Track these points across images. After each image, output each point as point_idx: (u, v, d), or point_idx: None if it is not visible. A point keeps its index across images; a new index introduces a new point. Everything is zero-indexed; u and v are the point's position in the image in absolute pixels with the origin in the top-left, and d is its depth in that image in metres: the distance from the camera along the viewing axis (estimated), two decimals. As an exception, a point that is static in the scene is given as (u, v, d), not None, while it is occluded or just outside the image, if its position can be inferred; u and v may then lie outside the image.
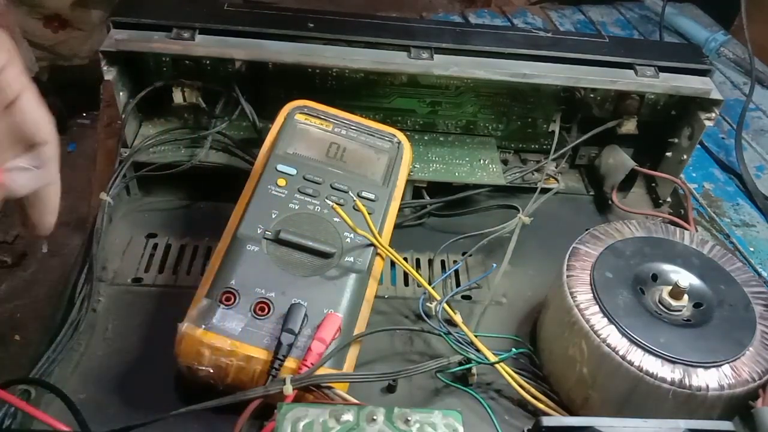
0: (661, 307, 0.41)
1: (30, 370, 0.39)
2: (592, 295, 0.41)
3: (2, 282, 0.53)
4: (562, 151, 0.59)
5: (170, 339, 0.38)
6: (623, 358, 0.38)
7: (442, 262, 0.53)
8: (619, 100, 0.57)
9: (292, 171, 0.45)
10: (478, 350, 0.42)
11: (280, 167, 0.45)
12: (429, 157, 0.57)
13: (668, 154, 0.59)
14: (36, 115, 0.30)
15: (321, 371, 0.37)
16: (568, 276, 0.42)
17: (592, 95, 0.57)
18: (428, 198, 0.56)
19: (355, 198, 0.45)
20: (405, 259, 0.52)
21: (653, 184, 0.62)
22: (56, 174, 0.32)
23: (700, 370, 0.37)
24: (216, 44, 0.51)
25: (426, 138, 0.59)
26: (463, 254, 0.52)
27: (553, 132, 0.60)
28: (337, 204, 0.44)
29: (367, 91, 0.57)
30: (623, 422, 0.33)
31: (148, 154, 0.53)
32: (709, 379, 0.37)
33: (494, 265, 0.48)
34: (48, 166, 0.31)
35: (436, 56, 0.53)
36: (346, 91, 0.56)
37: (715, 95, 0.54)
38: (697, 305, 0.42)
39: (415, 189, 0.55)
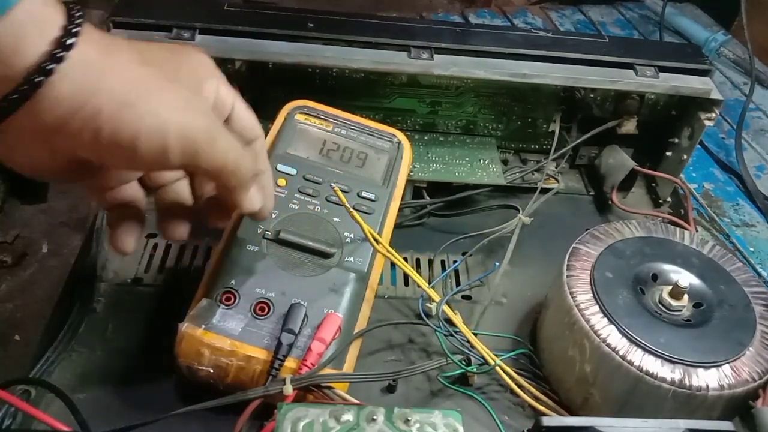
0: (661, 307, 0.41)
1: (30, 370, 0.39)
2: (592, 295, 0.41)
3: (2, 282, 0.53)
4: (562, 151, 0.59)
5: (170, 339, 0.38)
6: (623, 358, 0.38)
7: (442, 262, 0.53)
8: (619, 100, 0.57)
9: (292, 171, 0.45)
10: (477, 350, 0.42)
11: (280, 167, 0.45)
12: (429, 157, 0.57)
13: (668, 154, 0.59)
14: (247, 117, 0.35)
15: (321, 371, 0.37)
16: (568, 276, 0.42)
17: (592, 95, 0.57)
18: (428, 198, 0.56)
19: (355, 198, 0.45)
20: (405, 259, 0.52)
21: (653, 184, 0.62)
22: (267, 163, 0.38)
23: (700, 370, 0.37)
24: (216, 44, 0.51)
25: (426, 138, 0.59)
26: (463, 254, 0.52)
27: (553, 132, 0.60)
28: (337, 203, 0.44)
29: (367, 91, 0.57)
30: (623, 422, 0.33)
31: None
32: (709, 379, 0.37)
33: (496, 263, 0.48)
34: (261, 157, 0.37)
35: (436, 56, 0.53)
36: (346, 91, 0.56)
37: (715, 95, 0.54)
38: (697, 305, 0.42)
39: (415, 189, 0.55)
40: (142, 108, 0.28)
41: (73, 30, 0.26)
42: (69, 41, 0.26)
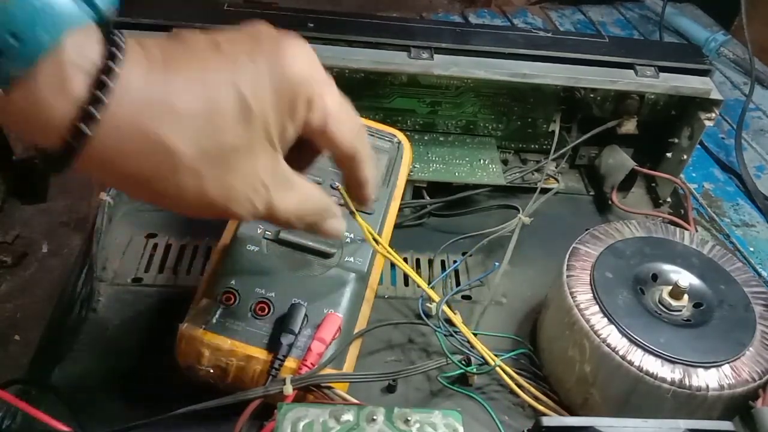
0: (661, 307, 0.41)
1: (30, 370, 0.39)
2: (592, 295, 0.41)
3: (2, 282, 0.53)
4: (562, 151, 0.59)
5: (170, 339, 0.38)
6: (623, 358, 0.38)
7: (442, 262, 0.53)
8: (619, 100, 0.57)
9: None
10: (477, 350, 0.42)
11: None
12: (429, 157, 0.57)
13: (668, 154, 0.59)
14: (347, 131, 0.32)
15: (321, 371, 0.37)
16: (568, 276, 0.42)
17: (592, 95, 0.57)
18: (428, 198, 0.56)
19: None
20: (405, 259, 0.52)
21: (653, 184, 0.62)
22: (372, 176, 0.35)
23: (700, 370, 0.37)
24: (216, 44, 0.51)
25: (426, 138, 0.59)
26: (463, 254, 0.52)
27: (553, 132, 0.60)
28: (337, 204, 0.44)
29: (367, 91, 0.57)
30: (623, 422, 0.33)
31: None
32: (709, 379, 0.37)
33: (496, 263, 0.48)
34: (364, 170, 0.35)
35: (436, 56, 0.53)
36: (346, 91, 0.56)
37: (715, 95, 0.54)
38: (697, 305, 0.42)
39: (415, 189, 0.55)
40: (208, 174, 0.26)
41: (114, 68, 0.24)
42: (110, 79, 0.24)
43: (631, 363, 0.38)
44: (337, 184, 0.45)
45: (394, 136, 0.50)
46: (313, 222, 0.33)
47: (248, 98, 0.26)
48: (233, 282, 0.40)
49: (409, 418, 0.31)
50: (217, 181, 0.27)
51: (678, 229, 0.47)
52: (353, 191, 0.36)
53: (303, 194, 0.31)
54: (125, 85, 0.24)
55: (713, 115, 0.55)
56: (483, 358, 0.41)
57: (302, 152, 0.32)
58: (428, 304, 0.45)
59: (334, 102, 0.30)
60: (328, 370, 0.38)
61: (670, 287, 0.42)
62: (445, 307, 0.43)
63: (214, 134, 0.26)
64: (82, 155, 0.24)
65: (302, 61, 0.28)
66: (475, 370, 0.42)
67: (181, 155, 0.25)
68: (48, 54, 0.23)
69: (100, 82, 0.23)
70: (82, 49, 0.24)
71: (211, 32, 0.28)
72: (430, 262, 0.53)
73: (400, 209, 0.50)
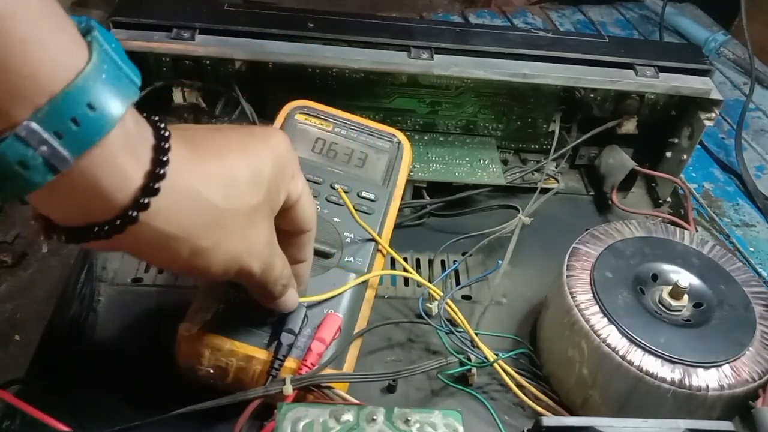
0: (661, 307, 0.41)
1: (30, 370, 0.39)
2: (592, 295, 0.41)
3: (2, 282, 0.53)
4: (562, 151, 0.59)
5: (170, 339, 0.38)
6: (623, 358, 0.38)
7: (442, 262, 0.53)
8: (619, 100, 0.57)
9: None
10: (477, 349, 0.42)
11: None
12: (429, 157, 0.57)
13: (668, 154, 0.59)
14: (308, 210, 0.35)
15: (321, 371, 0.37)
16: (568, 276, 0.42)
17: (592, 95, 0.57)
18: (428, 198, 0.56)
19: (355, 198, 0.45)
20: (405, 259, 0.52)
21: (653, 184, 0.62)
22: (311, 254, 0.38)
23: (700, 370, 0.37)
24: (216, 44, 0.51)
25: (426, 138, 0.59)
26: (463, 254, 0.52)
27: (553, 132, 0.60)
28: (337, 204, 0.44)
29: (367, 91, 0.57)
30: (623, 422, 0.33)
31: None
32: (709, 379, 0.37)
33: (499, 261, 0.48)
34: (308, 248, 0.37)
35: (436, 56, 0.53)
36: (346, 91, 0.56)
37: (715, 95, 0.54)
38: (697, 305, 0.42)
39: (415, 189, 0.55)
40: (215, 256, 0.29)
41: (164, 157, 0.26)
42: (162, 171, 0.25)
43: (631, 363, 0.38)
44: (337, 185, 0.45)
45: (394, 136, 0.50)
46: (285, 286, 0.36)
47: (260, 169, 0.31)
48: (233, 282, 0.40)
49: (409, 418, 0.31)
50: (242, 235, 0.30)
51: (678, 229, 0.47)
52: (295, 267, 0.37)
53: (284, 259, 0.35)
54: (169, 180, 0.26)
55: (713, 115, 0.55)
56: (483, 355, 0.41)
57: None
58: (428, 304, 0.45)
59: (304, 182, 0.35)
60: (328, 370, 0.38)
61: (670, 287, 0.42)
62: (447, 304, 0.43)
63: (240, 196, 0.30)
64: (129, 229, 0.25)
65: (287, 144, 0.33)
66: (474, 369, 0.42)
67: (220, 210, 0.28)
68: (118, 124, 0.24)
69: (159, 160, 0.25)
70: (139, 122, 0.26)
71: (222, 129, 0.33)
72: (430, 262, 0.53)
73: (400, 209, 0.50)
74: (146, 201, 0.25)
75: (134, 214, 0.25)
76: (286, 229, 0.35)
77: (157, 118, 0.27)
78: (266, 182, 0.31)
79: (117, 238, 0.25)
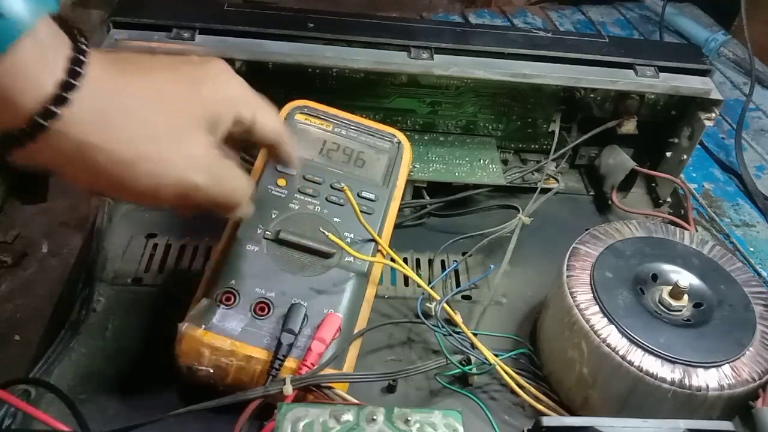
0: (661, 307, 0.41)
1: (30, 370, 0.39)
2: (592, 295, 0.41)
3: (2, 282, 0.53)
4: (562, 151, 0.59)
5: (170, 339, 0.38)
6: (623, 358, 0.38)
7: (442, 262, 0.53)
8: (619, 100, 0.57)
9: (292, 171, 0.45)
10: (477, 350, 0.42)
11: (280, 167, 0.45)
12: (429, 157, 0.57)
13: (668, 154, 0.59)
14: (271, 126, 0.36)
15: (321, 371, 0.37)
16: (568, 276, 0.42)
17: (592, 95, 0.57)
18: (428, 198, 0.56)
19: (355, 198, 0.45)
20: (405, 259, 0.52)
21: (653, 184, 0.62)
22: (294, 149, 0.40)
23: (700, 370, 0.37)
24: (216, 44, 0.51)
25: (426, 138, 0.59)
26: (463, 254, 0.52)
27: (553, 132, 0.60)
28: (337, 204, 0.44)
29: (367, 91, 0.57)
30: (623, 422, 0.33)
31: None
32: (709, 379, 0.37)
33: (492, 266, 0.49)
34: (292, 160, 0.40)
35: (436, 56, 0.53)
36: (346, 91, 0.56)
37: (715, 95, 0.54)
38: (697, 305, 0.42)
39: (415, 189, 0.55)
40: (140, 167, 0.29)
41: (79, 68, 0.26)
42: (75, 81, 0.26)
43: (631, 363, 0.38)
44: (342, 184, 0.45)
45: (394, 136, 0.50)
46: (244, 196, 0.36)
47: (192, 88, 0.32)
48: (233, 282, 0.40)
49: (409, 418, 0.31)
50: (172, 147, 0.30)
51: (678, 229, 0.47)
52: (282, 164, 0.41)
53: (238, 172, 0.35)
54: (86, 90, 0.26)
55: (713, 115, 0.55)
56: (483, 357, 0.41)
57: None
58: (427, 305, 0.45)
59: (259, 104, 0.36)
60: (328, 370, 0.38)
61: (670, 287, 0.42)
62: (445, 307, 0.43)
63: (164, 111, 0.30)
64: (42, 138, 0.26)
65: (227, 70, 0.35)
66: (474, 369, 0.42)
67: (142, 121, 0.29)
68: (29, 34, 0.24)
69: (73, 70, 0.26)
70: (57, 34, 0.26)
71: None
72: (430, 262, 0.53)
73: (400, 209, 0.50)
74: (57, 109, 0.25)
75: (44, 122, 0.25)
76: (262, 145, 0.38)
77: (78, 33, 0.27)
78: (201, 101, 0.32)
79: (33, 148, 0.26)
